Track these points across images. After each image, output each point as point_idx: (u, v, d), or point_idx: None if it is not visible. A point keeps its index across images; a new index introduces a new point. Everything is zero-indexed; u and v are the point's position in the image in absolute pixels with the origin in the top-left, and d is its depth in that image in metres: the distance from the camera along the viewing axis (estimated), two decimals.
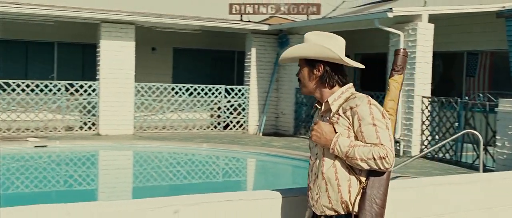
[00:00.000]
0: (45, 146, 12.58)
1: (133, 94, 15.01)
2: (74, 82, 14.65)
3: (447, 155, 11.65)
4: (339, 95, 2.85)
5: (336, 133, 2.77)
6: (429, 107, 12.30)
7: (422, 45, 12.40)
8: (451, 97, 12.16)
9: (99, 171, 12.10)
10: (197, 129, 16.03)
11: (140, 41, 15.23)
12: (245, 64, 16.62)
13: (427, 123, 12.32)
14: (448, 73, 16.33)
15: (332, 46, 2.83)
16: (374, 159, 2.66)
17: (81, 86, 14.65)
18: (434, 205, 4.14)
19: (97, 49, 14.84)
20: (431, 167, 10.91)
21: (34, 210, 2.74)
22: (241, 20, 16.30)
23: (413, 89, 12.41)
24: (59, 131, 14.42)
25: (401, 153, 12.38)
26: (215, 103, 16.27)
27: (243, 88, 16.44)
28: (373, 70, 17.87)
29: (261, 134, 16.20)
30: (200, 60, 18.66)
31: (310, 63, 2.88)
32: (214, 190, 8.90)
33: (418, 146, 12.42)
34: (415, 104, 12.41)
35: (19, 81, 14.10)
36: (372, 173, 2.76)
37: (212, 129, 16.27)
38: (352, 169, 2.78)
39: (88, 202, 2.91)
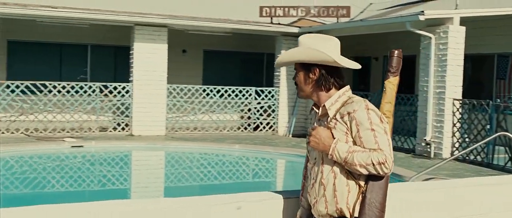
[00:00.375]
0: (81, 146, 12.89)
1: (165, 96, 15.27)
2: (108, 84, 14.96)
3: (478, 157, 11.69)
4: (336, 99, 2.83)
5: (334, 138, 2.75)
6: (460, 110, 12.35)
7: (454, 48, 12.45)
8: (481, 99, 12.20)
9: (133, 171, 12.36)
10: (227, 130, 16.24)
11: (171, 43, 15.48)
12: (275, 66, 16.78)
13: (458, 125, 12.37)
14: (478, 75, 16.32)
15: (326, 49, 2.80)
16: (373, 164, 2.65)
17: (115, 88, 14.96)
18: (466, 207, 4.20)
19: (131, 52, 15.14)
20: (463, 169, 10.97)
21: (55, 209, 2.86)
22: (271, 22, 16.48)
23: (444, 92, 12.47)
24: (93, 132, 14.73)
25: (432, 155, 12.45)
26: (246, 105, 16.47)
27: (273, 90, 16.62)
28: (401, 72, 18.01)
29: (290, 136, 16.36)
30: (230, 62, 18.90)
31: (305, 67, 2.85)
32: (249, 190, 9.08)
33: (449, 148, 12.46)
34: (446, 107, 12.46)
35: (55, 83, 14.45)
36: (371, 177, 2.75)
37: (242, 130, 16.47)
38: (351, 174, 2.76)
39: (130, 200, 3.09)
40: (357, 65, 2.90)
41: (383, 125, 2.73)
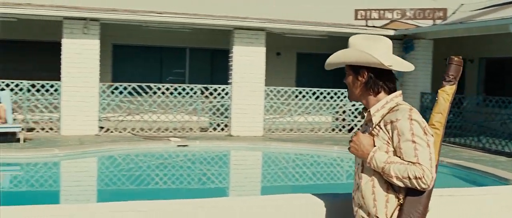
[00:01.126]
0: (186, 145, 13.46)
1: (263, 98, 15.70)
2: (208, 86, 15.53)
3: None
4: (383, 105, 2.72)
5: (375, 146, 2.67)
6: None
7: None
8: None
9: (239, 170, 12.81)
10: (322, 132, 16.49)
11: (266, 46, 15.87)
12: None
13: None
14: None
15: (375, 50, 2.68)
16: (410, 178, 2.54)
17: (215, 90, 15.51)
18: None
19: (230, 54, 15.65)
20: None
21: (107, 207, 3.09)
22: (367, 25, 16.62)
23: None
24: (194, 132, 15.34)
25: None
26: (340, 107, 16.67)
27: None
28: (499, 75, 17.71)
29: None
30: (324, 64, 19.11)
31: (354, 69, 2.77)
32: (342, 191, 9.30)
33: None
34: None
35: (160, 85, 15.15)
36: (411, 190, 2.63)
37: (336, 132, 16.68)
38: (390, 184, 2.67)
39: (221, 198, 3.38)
40: (409, 67, 2.82)
41: (426, 138, 2.59)
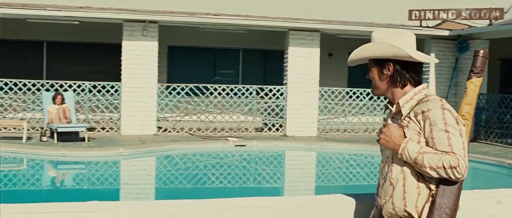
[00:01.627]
0: (244, 145, 13.68)
1: (317, 98, 15.82)
2: (264, 87, 15.72)
3: None
4: (411, 97, 2.68)
5: (405, 137, 2.62)
6: None
7: None
8: None
9: (297, 169, 12.97)
10: (376, 132, 16.48)
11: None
12: (423, 69, 16.86)
13: None
14: None
15: (400, 44, 2.66)
16: (444, 168, 2.49)
17: (270, 90, 15.70)
18: None
19: (285, 56, 15.82)
20: None
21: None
22: (421, 26, 16.57)
23: None
24: (249, 132, 15.55)
25: None
26: None
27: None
28: None
29: None
30: None
31: (379, 63, 2.73)
32: None
33: None
34: None
35: (216, 86, 15.41)
36: (443, 181, 2.58)
37: None
38: (421, 176, 2.62)
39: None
40: (433, 60, 2.89)
41: (458, 127, 2.55)
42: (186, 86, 15.14)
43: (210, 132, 15.29)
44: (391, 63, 2.70)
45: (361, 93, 16.29)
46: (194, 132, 15.21)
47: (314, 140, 14.92)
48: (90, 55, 17.44)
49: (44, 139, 12.90)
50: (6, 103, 14.49)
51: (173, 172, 11.42)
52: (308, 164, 13.81)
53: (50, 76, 16.58)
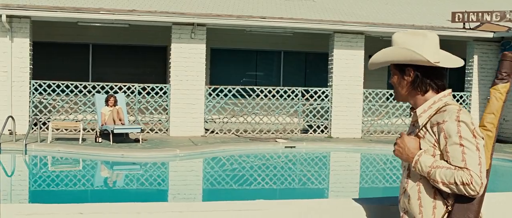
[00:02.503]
0: (294, 147, 13.83)
1: (361, 100, 15.93)
2: (309, 89, 15.88)
3: None
4: (430, 106, 2.54)
5: (421, 149, 2.50)
6: None
7: None
8: None
9: (347, 171, 13.10)
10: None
11: None
12: (466, 71, 16.91)
13: None
14: None
15: (420, 47, 2.51)
16: (456, 184, 2.36)
17: (315, 92, 15.85)
18: None
19: (330, 58, 15.96)
20: None
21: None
22: (464, 28, 16.61)
23: None
24: (295, 134, 15.70)
25: None
26: None
27: (464, 94, 16.76)
28: None
29: None
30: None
31: (399, 68, 2.59)
32: None
33: None
34: None
35: (262, 87, 15.60)
36: (460, 196, 2.44)
37: None
38: (438, 190, 2.48)
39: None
40: (458, 63, 2.63)
41: (475, 140, 2.39)
42: (233, 88, 15.33)
43: (256, 133, 15.46)
44: (411, 69, 2.56)
45: None
46: (241, 133, 15.39)
47: (360, 142, 15.03)
48: (134, 57, 17.70)
49: (99, 140, 13.15)
50: (58, 105, 14.76)
51: (230, 172, 11.60)
52: (358, 164, 13.92)
53: (95, 78, 16.88)
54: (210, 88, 15.34)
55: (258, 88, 15.59)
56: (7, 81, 14.28)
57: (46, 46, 16.49)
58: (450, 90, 2.60)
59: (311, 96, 15.93)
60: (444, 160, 2.44)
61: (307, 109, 16.12)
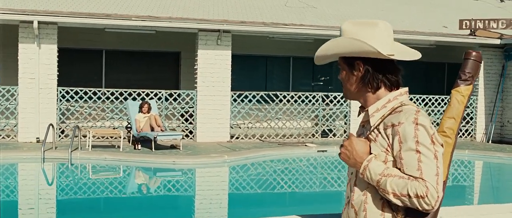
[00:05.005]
0: (325, 151, 14.19)
1: None
2: (329, 94, 16.27)
3: None
4: (384, 105, 2.22)
5: (371, 153, 2.18)
6: None
7: None
8: None
9: None
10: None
11: None
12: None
13: None
14: None
15: (370, 38, 2.19)
16: (409, 196, 2.05)
17: (335, 98, 16.26)
18: None
19: None
20: None
21: None
22: (471, 34, 17.34)
23: None
24: (316, 138, 16.07)
25: None
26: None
27: (472, 98, 17.49)
28: None
29: (490, 142, 17.17)
30: (432, 72, 19.96)
31: (348, 62, 2.27)
32: None
33: None
34: None
35: (285, 93, 15.90)
36: (412, 210, 2.13)
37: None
38: (387, 202, 2.17)
39: None
40: (415, 56, 2.26)
41: (434, 147, 2.08)
42: (257, 94, 15.57)
43: (279, 138, 15.74)
44: (361, 62, 2.23)
45: (418, 100, 16.98)
46: (265, 138, 15.64)
47: None
48: (147, 63, 17.70)
49: (139, 147, 13.15)
50: (85, 112, 14.65)
51: (279, 175, 11.93)
52: None
53: (108, 84, 16.79)
54: (235, 94, 15.51)
55: (281, 94, 15.87)
56: (34, 88, 14.09)
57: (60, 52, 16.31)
58: (406, 89, 2.28)
59: (331, 101, 16.32)
60: (397, 167, 2.12)
61: (327, 113, 16.50)
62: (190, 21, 14.92)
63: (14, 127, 14.23)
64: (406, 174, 2.07)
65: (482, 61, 2.44)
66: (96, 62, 17.24)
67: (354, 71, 2.25)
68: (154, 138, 12.83)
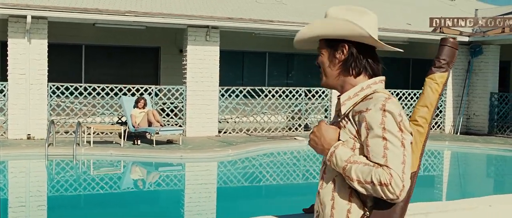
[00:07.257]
0: None
1: None
2: (311, 88, 16.77)
3: None
4: (356, 93, 2.15)
5: (339, 140, 2.12)
6: None
7: None
8: None
9: None
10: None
11: None
12: None
13: None
14: None
15: (362, 23, 2.13)
16: (373, 183, 1.97)
17: (316, 92, 16.78)
18: None
19: None
20: None
21: None
22: (440, 32, 18.20)
23: None
24: (299, 131, 16.55)
25: None
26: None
27: None
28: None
29: (458, 134, 18.15)
30: (398, 67, 20.78)
31: (331, 44, 2.18)
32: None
33: None
34: None
35: (270, 88, 16.29)
36: (382, 200, 2.05)
37: None
38: (355, 191, 2.09)
39: None
40: (397, 49, 2.29)
41: (401, 135, 2.01)
42: (244, 89, 15.88)
43: (265, 132, 16.12)
44: (346, 45, 2.16)
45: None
46: (251, 132, 15.98)
47: None
48: (125, 58, 17.70)
49: (138, 142, 13.22)
50: (76, 108, 14.54)
51: (285, 166, 12.40)
52: None
53: (87, 79, 16.70)
54: (222, 89, 15.75)
55: (266, 89, 16.24)
56: (24, 83, 13.87)
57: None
58: (383, 77, 2.22)
59: (313, 96, 16.83)
60: (364, 155, 2.06)
61: (310, 108, 17.00)
62: (179, 17, 15.03)
63: (4, 123, 13.97)
64: (371, 161, 2.01)
65: (458, 48, 2.35)
66: (76, 57, 17.09)
67: (336, 54, 2.17)
68: (156, 133, 12.94)
